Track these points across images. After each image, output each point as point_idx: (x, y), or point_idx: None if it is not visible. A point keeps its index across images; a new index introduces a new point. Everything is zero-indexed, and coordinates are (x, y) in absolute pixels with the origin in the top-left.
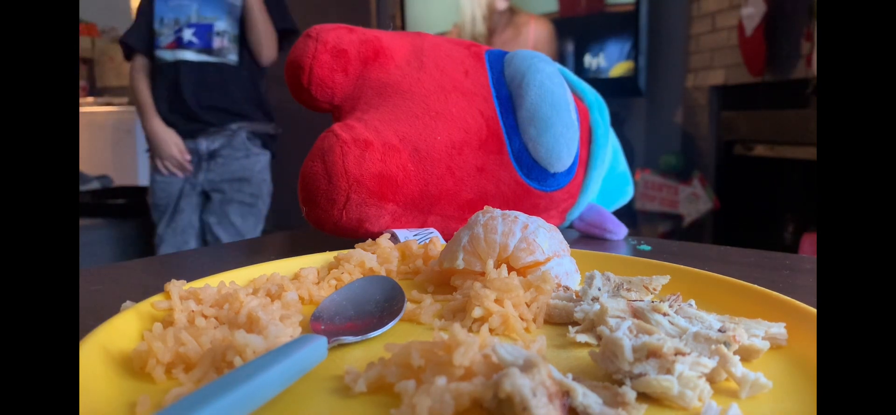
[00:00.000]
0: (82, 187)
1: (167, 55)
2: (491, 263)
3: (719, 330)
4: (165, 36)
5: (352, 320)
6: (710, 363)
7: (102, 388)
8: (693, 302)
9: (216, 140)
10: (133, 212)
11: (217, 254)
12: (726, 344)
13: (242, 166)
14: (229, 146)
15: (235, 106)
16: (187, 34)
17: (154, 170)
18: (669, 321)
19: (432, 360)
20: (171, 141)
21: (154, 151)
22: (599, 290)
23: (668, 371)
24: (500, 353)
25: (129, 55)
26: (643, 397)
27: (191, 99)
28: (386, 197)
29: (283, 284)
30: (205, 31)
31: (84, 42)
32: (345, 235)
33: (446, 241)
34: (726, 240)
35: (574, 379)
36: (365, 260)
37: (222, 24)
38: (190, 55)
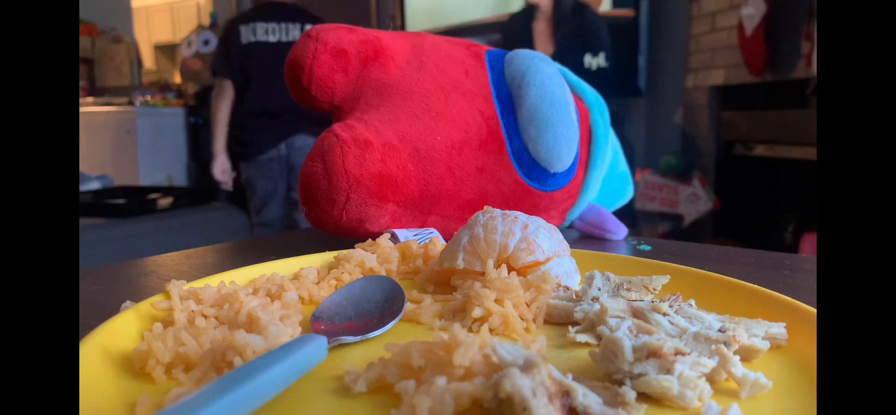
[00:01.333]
0: (82, 187)
1: None
2: (491, 263)
3: (719, 330)
4: None
5: (352, 320)
6: (710, 363)
7: (102, 388)
8: (693, 302)
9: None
10: (133, 212)
11: (216, 254)
12: (726, 344)
13: None
14: None
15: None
16: None
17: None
18: (669, 321)
19: (432, 360)
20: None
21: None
22: (599, 290)
23: (668, 371)
24: (500, 353)
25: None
26: (643, 397)
27: None
28: (386, 197)
29: (283, 284)
30: None
31: (84, 42)
32: (345, 235)
33: (446, 241)
34: (726, 240)
35: (574, 379)
36: (365, 260)
37: None
38: None
